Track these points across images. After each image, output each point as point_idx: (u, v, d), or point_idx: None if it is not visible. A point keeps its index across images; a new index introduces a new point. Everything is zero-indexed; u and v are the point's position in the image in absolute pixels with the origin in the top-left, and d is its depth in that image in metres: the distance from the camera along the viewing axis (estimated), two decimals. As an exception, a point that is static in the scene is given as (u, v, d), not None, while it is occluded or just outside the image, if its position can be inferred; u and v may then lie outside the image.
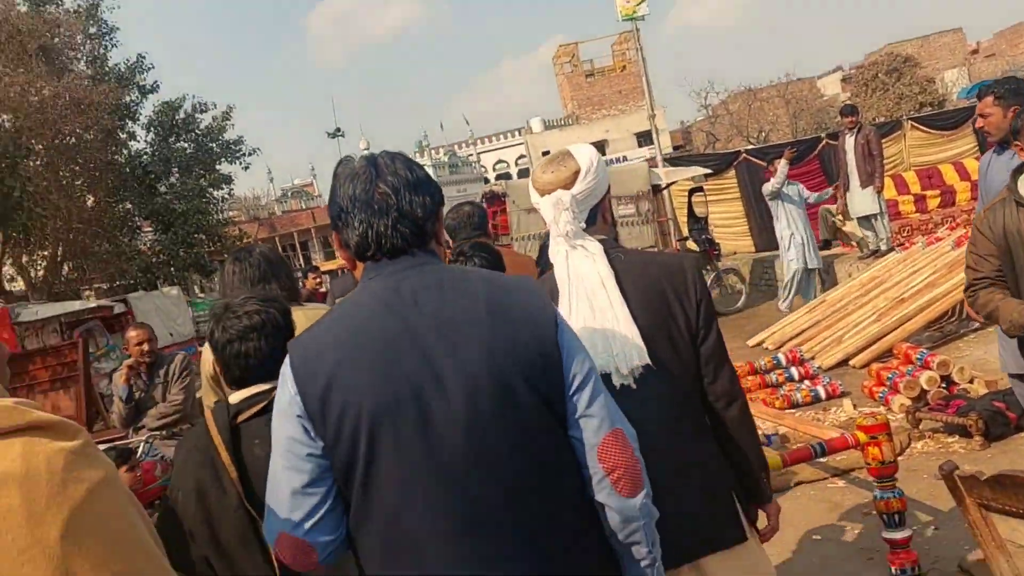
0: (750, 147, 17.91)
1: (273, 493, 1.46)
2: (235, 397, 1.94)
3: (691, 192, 11.23)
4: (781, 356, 6.78)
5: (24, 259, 19.13)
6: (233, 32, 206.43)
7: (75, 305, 12.12)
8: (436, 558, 1.39)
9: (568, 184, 1.93)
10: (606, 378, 1.73)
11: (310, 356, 1.44)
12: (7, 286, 18.97)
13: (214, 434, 1.86)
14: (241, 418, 1.89)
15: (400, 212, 1.47)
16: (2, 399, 1.07)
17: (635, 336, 1.81)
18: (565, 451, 1.46)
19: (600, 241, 1.94)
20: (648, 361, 1.81)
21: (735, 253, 13.24)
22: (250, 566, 1.80)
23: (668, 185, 10.73)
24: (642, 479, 1.47)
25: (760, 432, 5.19)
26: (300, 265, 34.19)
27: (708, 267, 10.92)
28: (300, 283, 7.53)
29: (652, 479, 1.52)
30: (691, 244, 11.18)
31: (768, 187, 9.19)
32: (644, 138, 51.55)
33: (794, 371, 6.52)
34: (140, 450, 4.87)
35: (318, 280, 8.72)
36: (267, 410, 1.77)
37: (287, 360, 1.47)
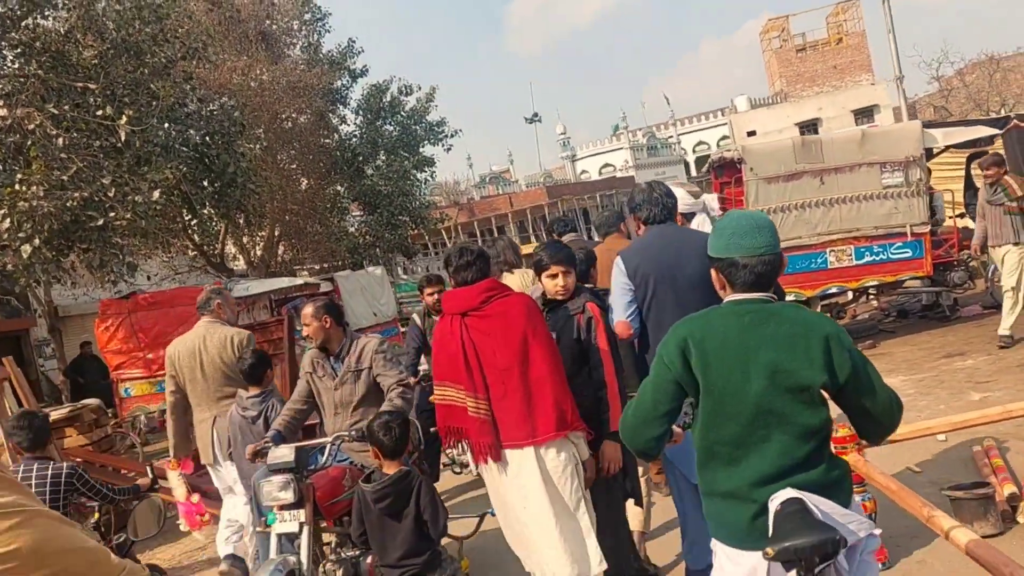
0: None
1: (615, 306, 3.70)
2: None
3: (970, 158, 9.20)
4: None
5: (245, 239, 20.02)
6: (434, 24, 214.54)
7: (283, 282, 12.10)
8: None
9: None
10: None
11: (627, 255, 3.74)
12: (229, 264, 19.92)
13: None
14: None
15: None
16: None
17: None
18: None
19: None
20: None
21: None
22: None
23: (945, 148, 8.84)
24: None
25: None
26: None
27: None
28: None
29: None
30: (968, 222, 9.19)
31: None
32: (863, 115, 47.17)
33: None
34: (326, 453, 4.06)
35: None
36: None
37: (621, 256, 3.76)
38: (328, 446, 4.05)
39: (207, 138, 12.08)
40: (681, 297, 3.49)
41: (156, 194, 9.17)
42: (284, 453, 3.71)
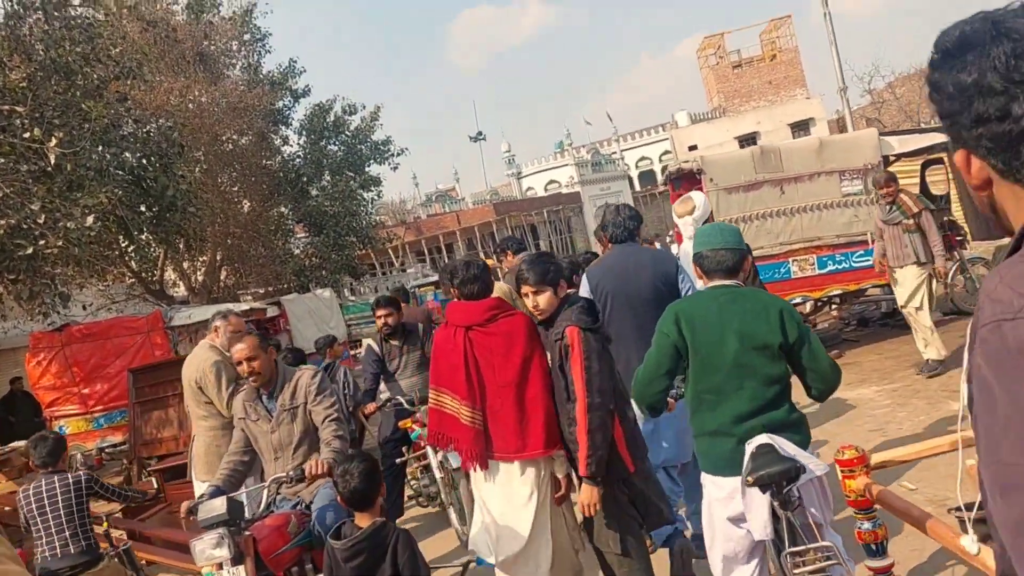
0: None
1: None
2: None
3: (925, 165, 9.25)
4: None
5: (185, 265, 19.29)
6: (374, 44, 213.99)
7: (227, 307, 11.53)
8: (627, 342, 3.92)
9: (692, 212, 5.28)
10: None
11: (591, 272, 4.39)
12: (169, 291, 19.16)
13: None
14: None
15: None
16: None
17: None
18: None
19: None
20: None
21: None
22: None
23: (899, 156, 8.86)
24: None
25: None
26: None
27: (950, 255, 8.92)
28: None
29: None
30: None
31: None
32: (799, 128, 48.28)
33: None
34: (264, 500, 3.70)
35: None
36: None
37: (586, 273, 4.47)
38: (265, 492, 3.70)
39: (144, 161, 11.55)
40: (635, 309, 4.09)
41: (90, 220, 8.65)
42: (216, 506, 3.34)
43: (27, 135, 8.64)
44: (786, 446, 2.71)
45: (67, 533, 4.43)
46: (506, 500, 3.53)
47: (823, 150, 8.25)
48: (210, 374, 5.17)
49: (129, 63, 10.95)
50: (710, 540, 2.98)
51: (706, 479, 2.92)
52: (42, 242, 8.46)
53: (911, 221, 6.91)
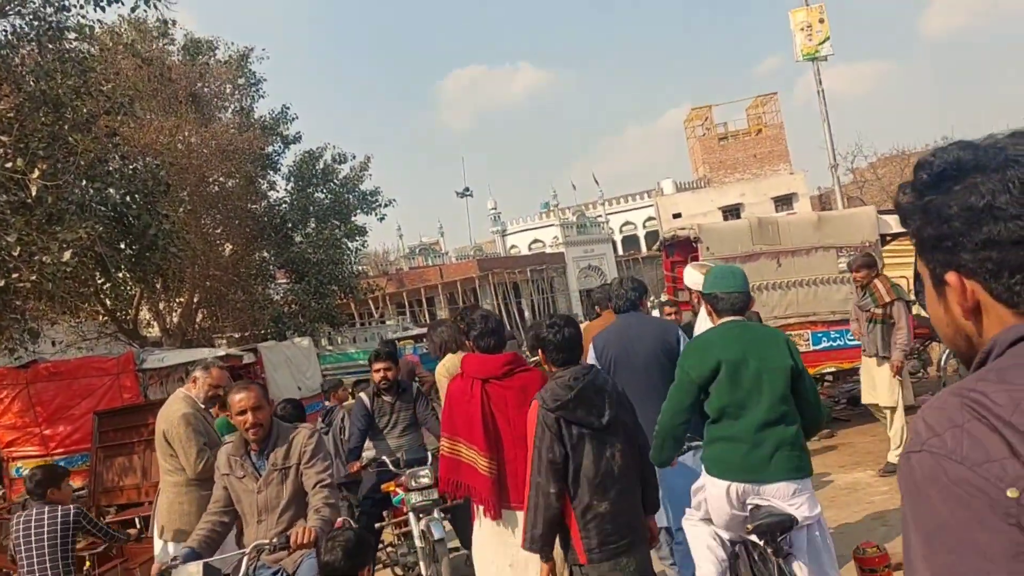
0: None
1: None
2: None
3: (919, 245, 9.17)
4: None
5: (161, 305, 18.88)
6: (366, 97, 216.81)
7: (203, 352, 11.21)
8: (633, 397, 3.46)
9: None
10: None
11: (598, 338, 4.59)
12: (143, 331, 18.70)
13: None
14: None
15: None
16: None
17: None
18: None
19: None
20: None
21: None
22: None
23: (896, 235, 8.82)
24: None
25: None
26: (426, 319, 33.41)
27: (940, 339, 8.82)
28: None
29: None
30: (919, 309, 9.14)
31: None
32: (782, 202, 49.02)
33: None
34: (244, 568, 3.40)
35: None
36: None
37: (593, 340, 4.64)
38: (245, 560, 3.39)
39: (128, 198, 11.30)
40: (636, 374, 4.28)
41: (67, 255, 8.35)
42: (192, 572, 3.08)
43: (9, 165, 8.40)
44: (781, 503, 3.15)
45: (48, 565, 4.49)
46: (517, 548, 3.60)
47: (822, 225, 8.18)
48: (179, 426, 4.83)
49: (121, 99, 10.79)
50: (695, 508, 3.45)
51: (707, 480, 3.33)
52: (15, 275, 8.16)
53: (879, 310, 6.54)
